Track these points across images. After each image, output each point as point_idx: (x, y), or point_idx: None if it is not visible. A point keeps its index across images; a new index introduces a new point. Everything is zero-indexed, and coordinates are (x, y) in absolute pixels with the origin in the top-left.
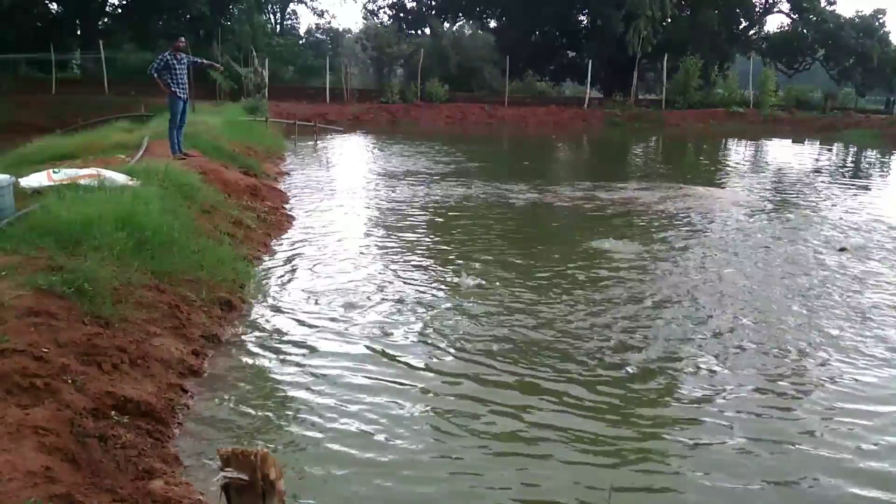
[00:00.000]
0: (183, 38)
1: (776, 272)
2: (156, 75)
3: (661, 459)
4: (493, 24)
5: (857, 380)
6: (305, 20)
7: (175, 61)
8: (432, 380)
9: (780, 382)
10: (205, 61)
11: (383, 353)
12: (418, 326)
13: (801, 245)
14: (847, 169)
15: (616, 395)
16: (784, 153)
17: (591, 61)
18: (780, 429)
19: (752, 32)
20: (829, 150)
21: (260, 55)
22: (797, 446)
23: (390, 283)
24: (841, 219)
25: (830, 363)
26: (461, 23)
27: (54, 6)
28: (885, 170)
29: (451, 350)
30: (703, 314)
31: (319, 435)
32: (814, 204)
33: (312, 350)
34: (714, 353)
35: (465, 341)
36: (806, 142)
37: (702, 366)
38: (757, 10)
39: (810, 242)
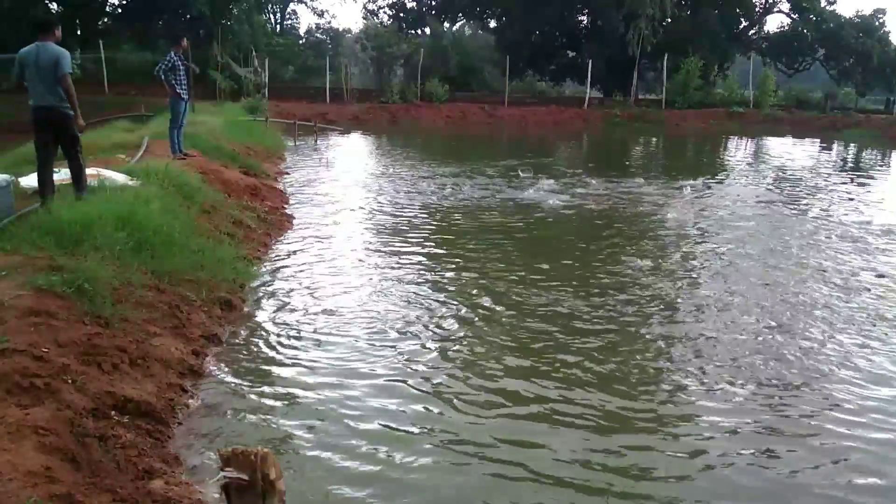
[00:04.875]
0: (184, 39)
1: (791, 274)
2: (163, 77)
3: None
4: (493, 24)
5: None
6: (305, 20)
7: (180, 62)
8: (435, 380)
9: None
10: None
11: (384, 353)
12: (420, 325)
13: (811, 243)
14: (848, 167)
15: (625, 399)
16: (785, 152)
17: (591, 61)
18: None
19: (752, 32)
20: (829, 149)
21: (260, 55)
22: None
23: (391, 282)
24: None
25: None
26: (461, 23)
27: (54, 6)
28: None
29: (454, 350)
30: (712, 319)
31: (320, 435)
32: (819, 201)
33: (313, 350)
34: (723, 363)
35: (469, 341)
36: (807, 139)
37: (711, 374)
38: (757, 10)
39: (820, 240)
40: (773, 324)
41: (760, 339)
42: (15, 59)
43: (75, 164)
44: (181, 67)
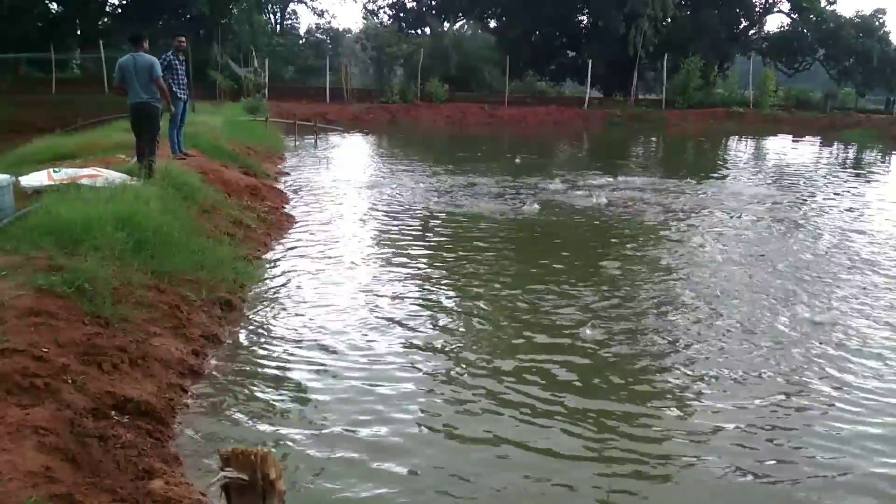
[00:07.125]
0: (183, 38)
1: (795, 273)
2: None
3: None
4: (493, 24)
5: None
6: (305, 20)
7: (177, 61)
8: (435, 380)
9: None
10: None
11: (384, 353)
12: (420, 326)
13: (814, 241)
14: (848, 166)
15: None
16: (785, 151)
17: (591, 61)
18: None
19: (752, 32)
20: (829, 149)
21: (260, 55)
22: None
23: (391, 282)
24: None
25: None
26: (461, 23)
27: (54, 6)
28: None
29: (454, 350)
30: (713, 319)
31: (320, 435)
32: (818, 201)
33: (312, 350)
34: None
35: (468, 342)
36: (806, 137)
37: (714, 375)
38: (757, 10)
39: (824, 238)
40: (776, 330)
41: (763, 343)
42: (12, 59)
43: (151, 145)
44: (178, 67)
